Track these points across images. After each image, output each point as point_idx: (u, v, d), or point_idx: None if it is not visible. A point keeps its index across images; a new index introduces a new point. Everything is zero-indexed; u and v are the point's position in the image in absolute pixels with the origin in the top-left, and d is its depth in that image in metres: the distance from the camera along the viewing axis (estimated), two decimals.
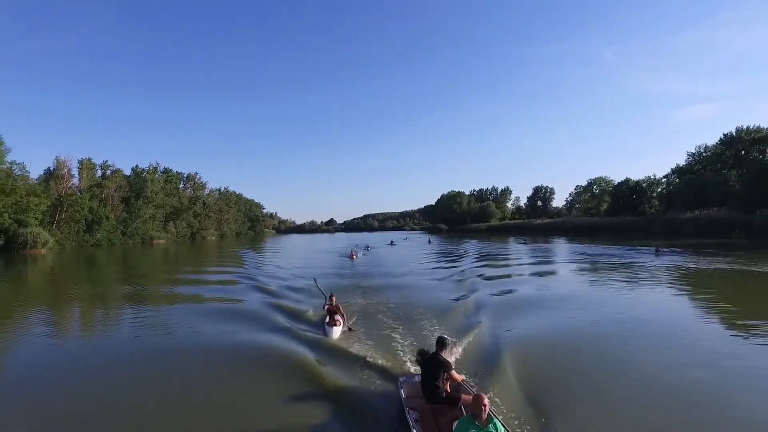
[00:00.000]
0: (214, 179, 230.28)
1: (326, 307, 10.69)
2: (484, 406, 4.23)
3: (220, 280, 20.85)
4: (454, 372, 5.73)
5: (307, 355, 8.14)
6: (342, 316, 10.32)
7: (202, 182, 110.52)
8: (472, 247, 46.42)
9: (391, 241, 64.38)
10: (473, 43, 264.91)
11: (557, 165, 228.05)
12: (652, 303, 12.89)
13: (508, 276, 20.15)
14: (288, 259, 34.41)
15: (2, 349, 9.17)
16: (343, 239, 71.60)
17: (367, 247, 48.43)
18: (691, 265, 21.15)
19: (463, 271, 22.90)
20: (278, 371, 7.29)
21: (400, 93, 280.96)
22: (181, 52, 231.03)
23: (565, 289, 16.43)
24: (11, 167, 51.61)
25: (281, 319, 11.33)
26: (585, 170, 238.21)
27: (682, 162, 77.22)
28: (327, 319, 10.14)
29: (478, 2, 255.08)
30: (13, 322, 11.85)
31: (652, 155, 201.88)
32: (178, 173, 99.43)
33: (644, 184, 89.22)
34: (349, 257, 33.26)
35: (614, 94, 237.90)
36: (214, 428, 5.24)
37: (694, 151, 74.65)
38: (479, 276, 19.80)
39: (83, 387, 6.76)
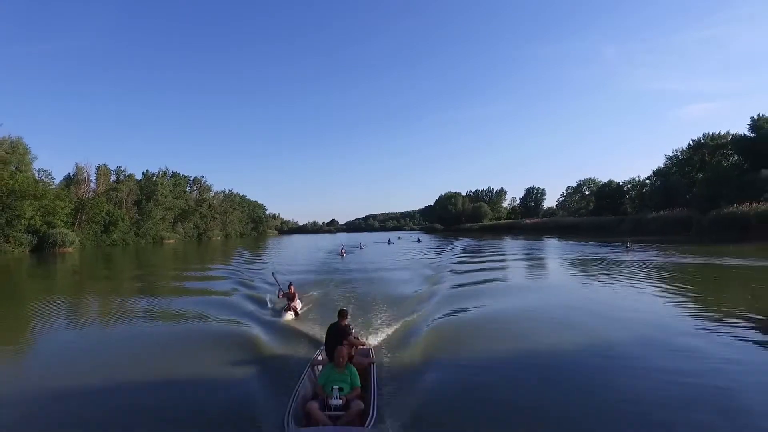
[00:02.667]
0: (217, 180, 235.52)
1: (283, 294, 12.26)
2: (342, 357, 5.31)
3: (214, 276, 22.68)
4: (351, 337, 6.73)
5: (259, 333, 9.68)
6: (299, 300, 12.09)
7: (207, 185, 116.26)
8: (459, 243, 50.53)
9: (389, 240, 68.33)
10: (473, 43, 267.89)
11: (556, 165, 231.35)
12: (592, 291, 14.59)
13: (476, 270, 21.63)
14: (280, 258, 36.99)
15: (46, 329, 11.40)
16: (343, 239, 76.01)
17: (360, 245, 51.37)
18: (644, 259, 23.75)
19: (438, 266, 25.29)
20: (233, 346, 8.61)
21: (401, 93, 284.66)
22: (182, 56, 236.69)
23: (519, 279, 18.39)
24: (38, 173, 57.29)
25: (250, 306, 13.12)
26: (585, 170, 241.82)
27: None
28: (285, 305, 11.63)
29: (476, 2, 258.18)
30: (55, 307, 14.70)
31: (651, 155, 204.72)
32: (185, 176, 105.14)
33: (628, 185, 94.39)
34: (339, 254, 36.23)
35: (614, 93, 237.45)
36: (173, 387, 6.47)
37: (671, 154, 79.73)
38: (450, 271, 21.48)
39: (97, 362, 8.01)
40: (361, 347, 7.19)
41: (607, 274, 18.12)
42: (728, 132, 65.17)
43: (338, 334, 6.49)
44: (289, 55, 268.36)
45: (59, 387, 6.58)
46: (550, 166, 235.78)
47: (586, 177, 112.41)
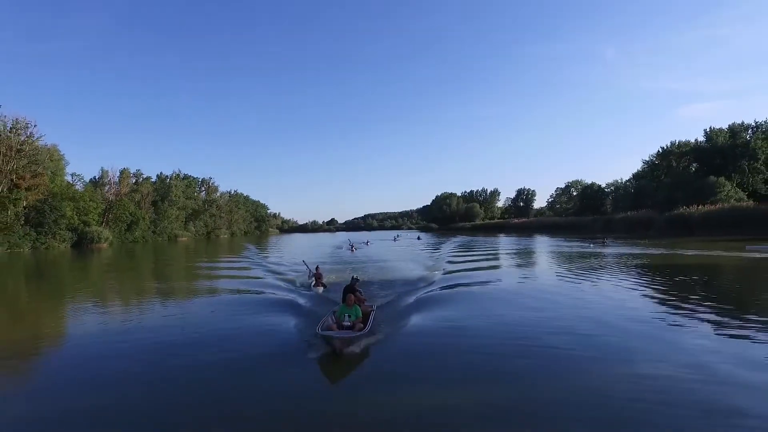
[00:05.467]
0: (218, 178, 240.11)
1: (312, 274, 15.46)
2: (351, 300, 8.13)
3: (240, 266, 25.57)
4: (358, 294, 9.49)
5: (297, 299, 12.62)
6: (322, 278, 15.08)
7: (215, 186, 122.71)
8: (456, 239, 55.82)
9: (394, 237, 72.19)
10: (473, 44, 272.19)
11: (554, 165, 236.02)
12: (548, 277, 17.08)
13: (468, 261, 24.83)
14: (291, 253, 39.61)
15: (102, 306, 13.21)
16: (343, 238, 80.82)
17: (367, 242, 55.03)
18: (614, 251, 27.76)
19: (437, 258, 28.09)
20: (281, 307, 11.49)
21: (401, 94, 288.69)
22: (182, 56, 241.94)
23: (503, 268, 21.22)
24: (72, 178, 63.87)
25: (284, 284, 16.15)
26: (582, 171, 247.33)
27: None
28: (313, 282, 14.63)
29: (476, 3, 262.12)
30: (101, 290, 17.25)
31: (650, 155, 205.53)
32: (195, 178, 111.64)
33: (612, 187, 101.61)
34: (349, 250, 39.45)
35: (614, 93, 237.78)
36: (237, 335, 8.58)
37: (647, 159, 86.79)
38: (447, 261, 24.39)
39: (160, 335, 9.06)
40: (366, 302, 9.85)
41: (579, 265, 20.87)
42: (696, 140, 72.43)
43: (350, 290, 9.44)
44: (290, 59, 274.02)
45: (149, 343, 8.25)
46: (549, 167, 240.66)
47: (574, 179, 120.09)
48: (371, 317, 8.30)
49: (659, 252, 26.63)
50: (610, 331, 8.16)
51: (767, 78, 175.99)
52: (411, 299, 12.06)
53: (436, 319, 9.48)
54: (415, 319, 9.42)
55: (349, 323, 7.67)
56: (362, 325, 7.52)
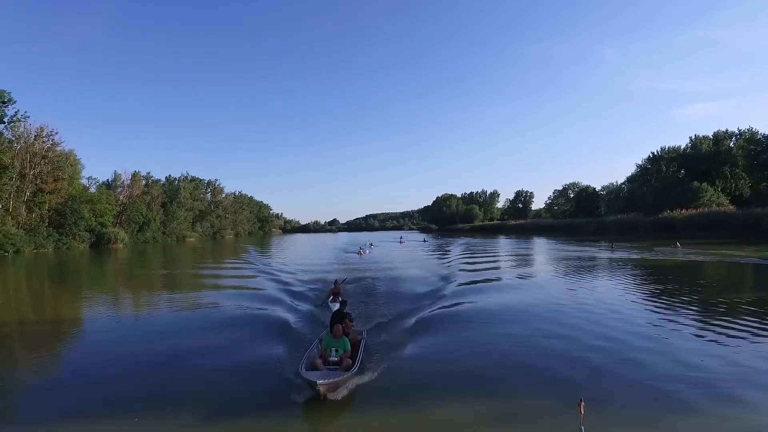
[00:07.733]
0: (223, 179, 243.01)
1: (331, 289, 14.34)
2: (338, 331, 7.38)
3: (240, 275, 24.40)
4: (346, 320, 8.80)
5: (291, 319, 11.62)
6: (340, 294, 13.86)
7: (221, 187, 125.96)
8: (461, 241, 58.61)
9: (399, 239, 72.12)
10: (474, 44, 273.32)
11: (553, 166, 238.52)
12: (535, 278, 18.44)
13: (481, 270, 23.67)
14: (298, 256, 40.53)
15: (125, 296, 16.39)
16: (345, 238, 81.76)
17: (371, 244, 55.21)
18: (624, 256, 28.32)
19: (449, 265, 27.00)
20: (270, 330, 10.53)
21: (402, 95, 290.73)
22: (182, 56, 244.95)
23: (509, 277, 20.51)
24: (88, 181, 67.26)
25: (283, 297, 15.39)
26: (582, 172, 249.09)
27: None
28: (331, 298, 13.50)
29: (475, 4, 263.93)
30: (123, 285, 20.11)
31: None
32: (202, 180, 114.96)
33: (606, 190, 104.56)
34: (357, 253, 38.97)
35: (614, 93, 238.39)
36: (215, 367, 7.75)
37: (640, 163, 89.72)
38: (460, 270, 23.44)
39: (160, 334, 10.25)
40: (355, 327, 9.28)
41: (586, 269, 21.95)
42: (686, 145, 75.24)
43: (338, 318, 8.76)
44: (290, 61, 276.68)
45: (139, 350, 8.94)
46: (548, 168, 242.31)
47: (573, 181, 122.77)
48: (361, 349, 7.71)
49: (626, 256, 29.63)
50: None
51: (766, 78, 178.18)
52: (411, 320, 11.15)
53: (440, 347, 8.75)
54: (417, 348, 8.69)
55: (336, 358, 7.04)
56: (350, 361, 6.90)
